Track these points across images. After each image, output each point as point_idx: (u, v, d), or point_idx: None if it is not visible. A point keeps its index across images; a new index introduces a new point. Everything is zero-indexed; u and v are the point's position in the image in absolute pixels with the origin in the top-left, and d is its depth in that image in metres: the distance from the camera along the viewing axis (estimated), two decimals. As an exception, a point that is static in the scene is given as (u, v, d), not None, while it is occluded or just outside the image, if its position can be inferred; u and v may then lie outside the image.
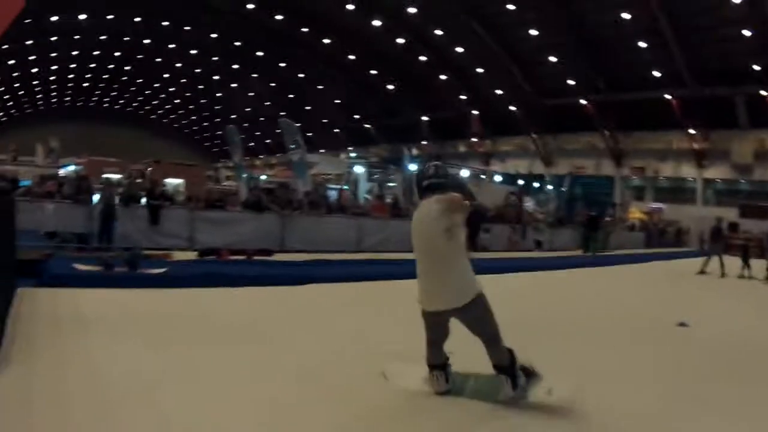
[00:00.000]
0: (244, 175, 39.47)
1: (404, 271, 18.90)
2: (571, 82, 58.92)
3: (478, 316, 6.42)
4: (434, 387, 6.76)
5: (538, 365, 6.68)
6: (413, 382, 7.02)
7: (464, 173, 54.41)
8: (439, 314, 6.52)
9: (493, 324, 6.45)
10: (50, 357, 7.51)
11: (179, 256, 20.08)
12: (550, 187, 53.44)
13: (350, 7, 62.57)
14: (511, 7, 53.74)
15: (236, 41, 77.95)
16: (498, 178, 59.48)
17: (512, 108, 65.75)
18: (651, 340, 10.70)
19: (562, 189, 51.82)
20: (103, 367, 7.29)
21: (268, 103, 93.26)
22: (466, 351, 6.84)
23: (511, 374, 6.40)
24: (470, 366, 7.07)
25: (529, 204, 45.38)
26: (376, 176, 49.25)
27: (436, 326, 6.62)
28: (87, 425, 5.42)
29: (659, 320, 12.54)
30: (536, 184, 57.54)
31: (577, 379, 7.20)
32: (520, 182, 55.29)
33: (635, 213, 57.11)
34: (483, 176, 58.45)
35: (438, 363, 6.73)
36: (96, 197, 22.53)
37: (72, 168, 43.41)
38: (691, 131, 55.82)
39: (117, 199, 22.41)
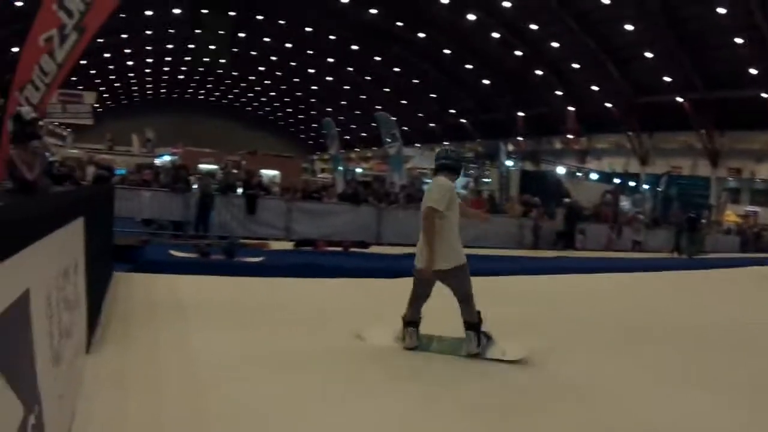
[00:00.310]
0: (341, 168, 39.60)
1: (502, 267, 18.65)
2: (667, 79, 57.60)
3: (459, 280, 7.93)
4: (406, 342, 8.17)
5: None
6: (386, 340, 8.42)
7: (560, 170, 54.09)
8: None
9: (469, 288, 7.98)
10: (144, 339, 7.73)
11: (275, 245, 20.25)
12: (645, 186, 52.63)
13: (444, 1, 62.33)
14: (606, 1, 52.78)
15: (331, 35, 78.20)
16: (594, 176, 58.85)
17: (608, 105, 64.69)
18: (741, 346, 10.27)
19: (658, 189, 50.97)
20: (196, 350, 7.49)
21: (363, 97, 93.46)
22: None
23: (477, 332, 7.92)
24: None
25: (624, 203, 44.71)
26: (471, 171, 49.15)
27: (420, 282, 8.08)
28: (177, 404, 5.56)
29: (752, 326, 12.09)
30: (632, 184, 56.72)
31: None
32: (616, 181, 54.58)
33: (730, 216, 55.36)
34: (579, 174, 57.99)
35: (414, 320, 8.19)
36: (194, 186, 22.89)
37: (168, 158, 44.15)
38: (788, 133, 53.98)
39: (214, 188, 22.70)
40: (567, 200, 33.73)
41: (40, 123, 14.21)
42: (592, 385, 7.27)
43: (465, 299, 7.97)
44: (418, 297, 8.19)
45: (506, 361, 7.78)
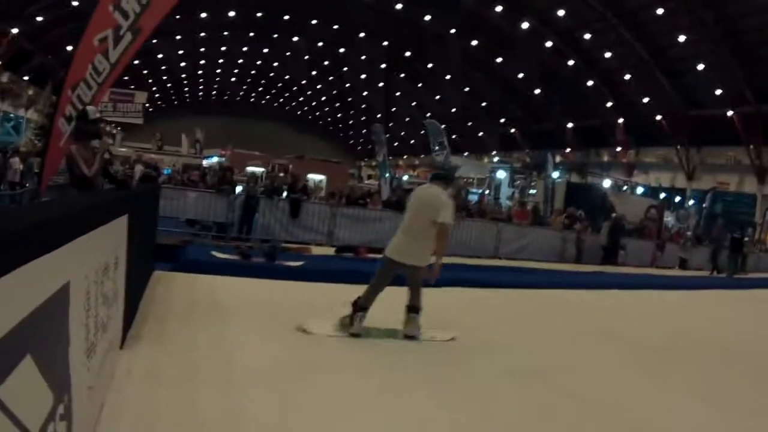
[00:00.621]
0: (387, 174, 39.62)
1: (536, 280, 18.56)
2: (718, 92, 56.61)
3: (421, 275, 9.28)
4: (354, 328, 9.05)
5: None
6: (328, 330, 9.14)
7: (606, 183, 53.53)
8: (400, 265, 9.28)
9: (422, 281, 9.31)
10: (180, 337, 7.87)
11: (317, 250, 20.33)
12: (691, 202, 51.97)
13: (498, 8, 62.33)
14: (660, 11, 52.31)
15: (384, 41, 78.36)
16: (640, 190, 58.26)
17: (658, 117, 63.88)
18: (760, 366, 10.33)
19: (704, 205, 50.32)
20: (231, 350, 7.61)
21: (414, 104, 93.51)
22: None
23: (417, 314, 9.29)
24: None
25: (669, 219, 44.18)
26: (517, 182, 48.89)
27: (390, 272, 9.41)
28: (207, 402, 5.68)
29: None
30: (677, 199, 56.08)
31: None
32: (662, 195, 53.91)
33: (774, 235, 53.93)
34: (625, 187, 57.43)
35: (366, 307, 9.15)
36: (239, 189, 23.07)
37: (216, 159, 44.51)
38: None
39: (259, 191, 22.87)
40: (614, 215, 33.38)
41: (103, 125, 14.43)
42: (577, 384, 7.68)
43: (417, 289, 9.33)
44: (378, 286, 9.34)
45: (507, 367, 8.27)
